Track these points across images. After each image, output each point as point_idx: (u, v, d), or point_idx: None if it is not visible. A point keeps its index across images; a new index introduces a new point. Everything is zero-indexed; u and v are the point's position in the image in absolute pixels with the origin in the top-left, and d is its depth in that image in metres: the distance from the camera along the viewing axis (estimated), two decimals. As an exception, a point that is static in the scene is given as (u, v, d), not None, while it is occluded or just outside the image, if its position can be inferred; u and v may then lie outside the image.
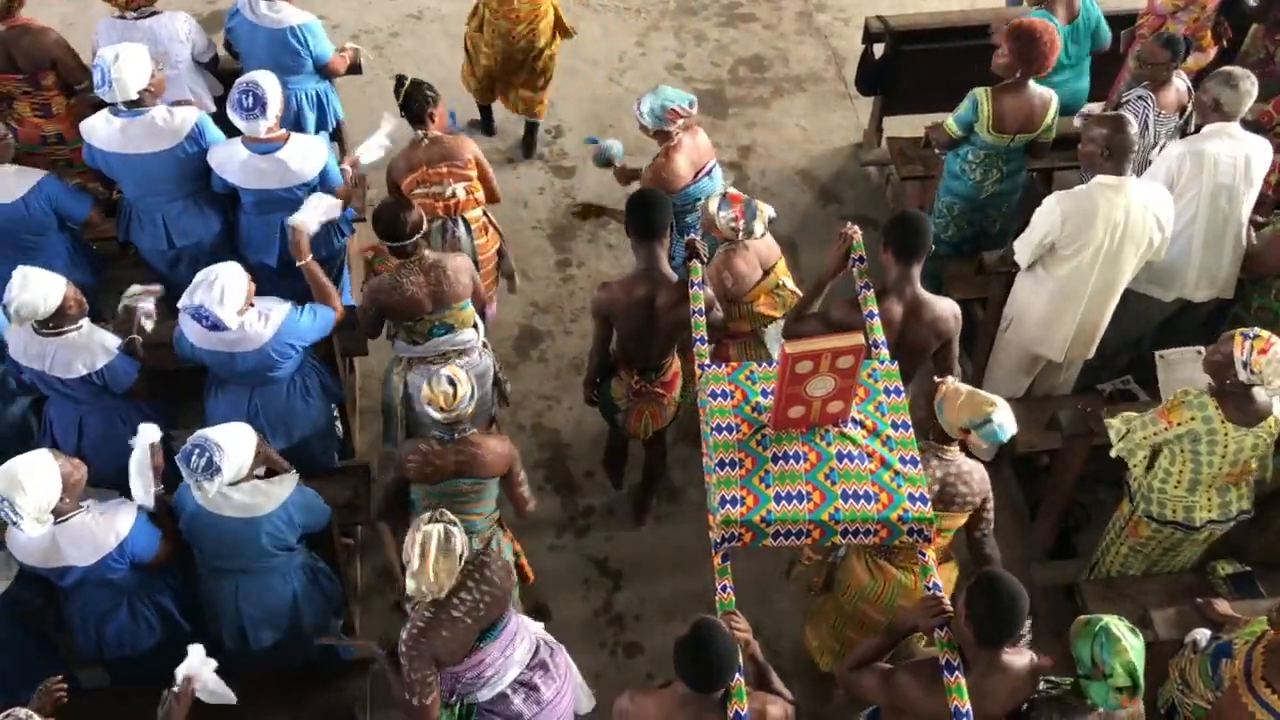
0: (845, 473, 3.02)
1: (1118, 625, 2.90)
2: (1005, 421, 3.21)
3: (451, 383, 3.34)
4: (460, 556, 2.98)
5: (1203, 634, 3.35)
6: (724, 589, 2.97)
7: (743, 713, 2.68)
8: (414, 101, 4.22)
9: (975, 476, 3.39)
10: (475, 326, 4.11)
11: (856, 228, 3.79)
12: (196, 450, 3.21)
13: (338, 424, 4.45)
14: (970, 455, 3.38)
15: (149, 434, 3.40)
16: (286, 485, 3.36)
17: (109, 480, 3.56)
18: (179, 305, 3.58)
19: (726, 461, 3.04)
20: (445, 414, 3.34)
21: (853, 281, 3.69)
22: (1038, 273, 4.27)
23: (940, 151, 4.81)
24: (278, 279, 4.19)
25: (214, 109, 4.73)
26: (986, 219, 4.86)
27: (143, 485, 3.34)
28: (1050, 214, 4.10)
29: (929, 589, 2.97)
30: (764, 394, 3.19)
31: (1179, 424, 3.58)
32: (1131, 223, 4.04)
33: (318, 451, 4.04)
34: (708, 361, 3.34)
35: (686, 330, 3.68)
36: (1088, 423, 4.07)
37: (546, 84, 5.60)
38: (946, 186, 4.81)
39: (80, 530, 3.20)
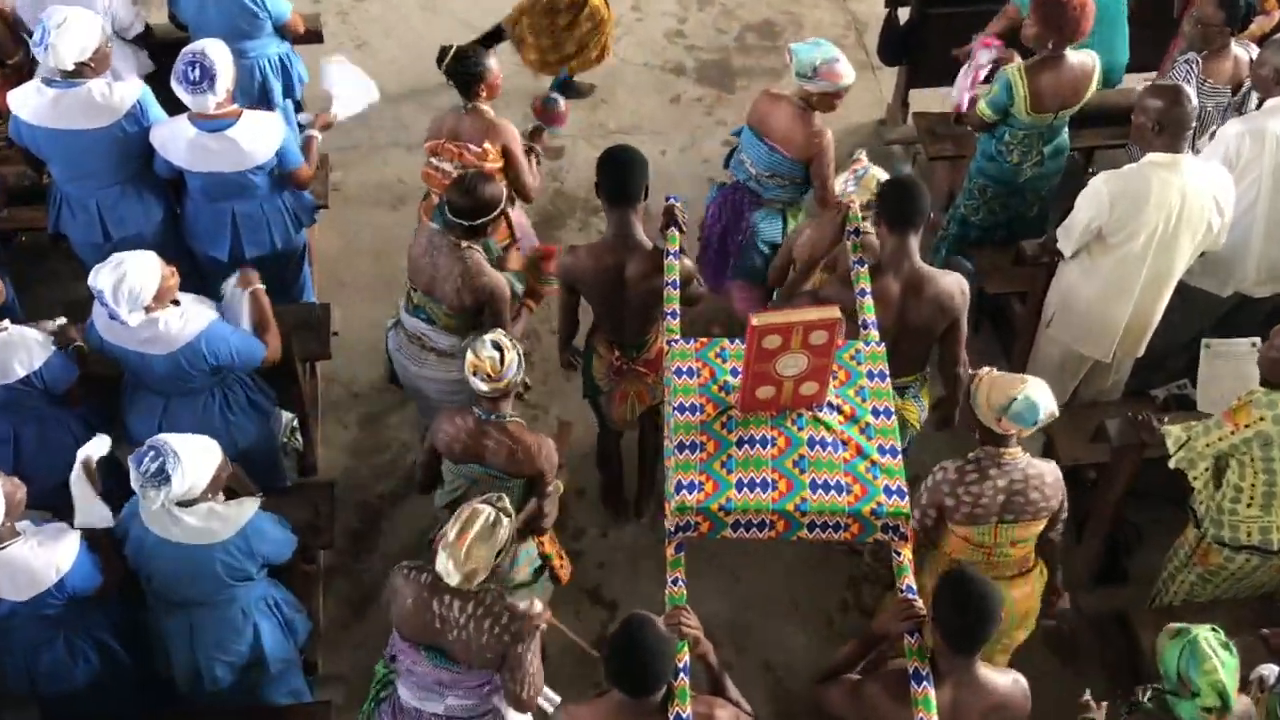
0: (816, 461, 3.36)
1: (1208, 640, 3.14)
2: (1036, 396, 3.51)
3: (497, 347, 3.65)
4: (499, 553, 3.27)
5: (1270, 670, 3.55)
6: (675, 582, 3.29)
7: (684, 715, 2.93)
8: (457, 73, 4.62)
9: (1048, 479, 3.68)
10: (464, 334, 4.35)
11: (854, 198, 4.17)
12: (151, 453, 3.40)
13: (297, 437, 4.79)
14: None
15: (96, 447, 3.64)
16: (245, 509, 3.57)
17: (47, 498, 3.76)
18: (89, 283, 3.78)
19: (687, 444, 3.39)
20: (493, 383, 3.64)
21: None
22: (1083, 263, 4.56)
23: (974, 130, 5.15)
24: (227, 275, 4.39)
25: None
26: (1024, 202, 5.19)
27: (85, 505, 3.55)
28: (1096, 196, 4.38)
29: (902, 591, 3.24)
30: (734, 373, 3.54)
31: (1246, 426, 3.78)
32: (1188, 205, 4.30)
33: (257, 470, 4.20)
34: (677, 337, 3.70)
35: (660, 304, 4.03)
36: (1138, 432, 4.31)
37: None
38: (980, 168, 5.13)
39: (17, 562, 3.37)
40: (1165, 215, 4.33)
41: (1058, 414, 3.62)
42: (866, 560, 4.00)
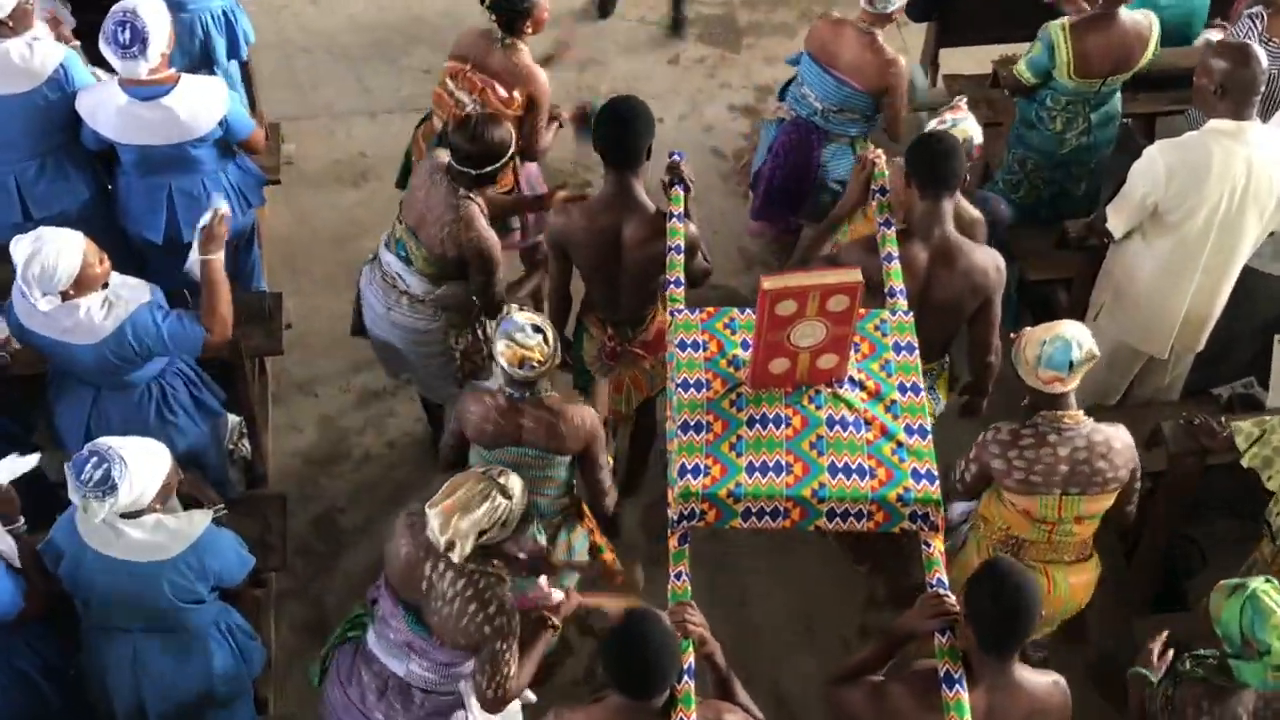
0: (836, 442, 3.51)
1: (1266, 593, 3.29)
2: (1069, 333, 3.73)
3: (538, 329, 3.82)
4: (481, 532, 3.40)
5: None
6: (679, 576, 3.44)
7: None
8: (502, 6, 4.77)
9: (1116, 446, 3.87)
10: (440, 281, 4.54)
11: (880, 152, 4.33)
12: (94, 459, 3.45)
13: (244, 443, 4.93)
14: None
15: (9, 469, 3.70)
16: (197, 523, 3.65)
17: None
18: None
19: (691, 424, 3.54)
20: (542, 369, 3.82)
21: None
22: (1136, 244, 4.72)
23: (1012, 95, 5.33)
24: (165, 259, 4.53)
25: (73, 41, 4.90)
26: (1069, 177, 5.36)
27: None
28: (1151, 168, 4.53)
29: (931, 585, 3.37)
30: (744, 346, 3.70)
31: None
32: (1254, 179, 4.44)
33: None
34: (681, 307, 3.86)
35: (661, 274, 4.19)
36: (1198, 437, 4.43)
37: None
38: (1019, 136, 5.30)
39: None
40: (1229, 190, 4.47)
41: (1099, 354, 3.81)
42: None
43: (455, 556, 3.48)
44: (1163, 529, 4.73)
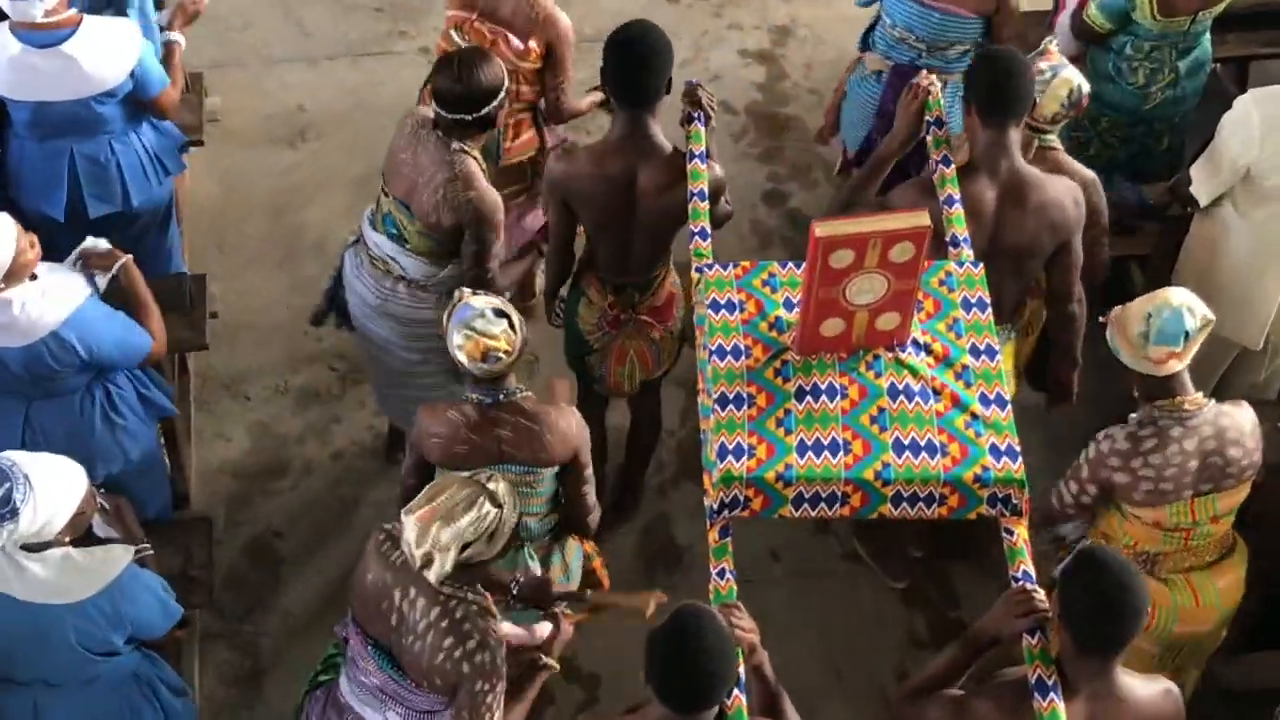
0: (901, 415, 3.64)
1: None
2: (1176, 299, 3.85)
3: (502, 314, 3.90)
4: (465, 545, 3.48)
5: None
6: (721, 574, 3.53)
7: None
8: None
9: (1247, 426, 3.99)
10: (437, 261, 4.62)
11: (934, 78, 4.46)
12: None
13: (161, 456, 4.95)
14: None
15: None
16: (114, 562, 3.69)
17: None
18: None
19: (731, 397, 3.66)
20: (509, 360, 3.90)
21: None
22: (1225, 213, 4.84)
23: (1083, 43, 5.42)
24: (69, 238, 4.48)
25: None
26: (1150, 134, 5.50)
27: None
28: (1244, 122, 4.66)
29: (1016, 579, 3.49)
30: (787, 305, 3.83)
31: None
32: None
33: (142, 497, 4.44)
34: (709, 262, 4.00)
35: (680, 225, 4.31)
36: None
37: None
38: (1094, 92, 5.26)
39: None
40: (1338, 149, 4.64)
41: (1213, 317, 3.96)
42: None
43: (432, 574, 3.55)
44: (1266, 556, 4.74)
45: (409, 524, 3.54)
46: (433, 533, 3.50)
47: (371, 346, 4.88)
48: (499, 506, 3.58)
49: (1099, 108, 5.44)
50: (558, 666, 3.89)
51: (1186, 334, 3.88)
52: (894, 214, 3.61)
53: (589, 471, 4.21)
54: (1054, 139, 4.61)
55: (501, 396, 3.99)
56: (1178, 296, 3.92)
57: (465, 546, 3.53)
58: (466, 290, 4.02)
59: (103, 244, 4.35)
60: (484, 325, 3.86)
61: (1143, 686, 3.47)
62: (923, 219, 3.53)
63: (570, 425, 4.07)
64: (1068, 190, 4.38)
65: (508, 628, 3.79)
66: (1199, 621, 4.20)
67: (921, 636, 5.17)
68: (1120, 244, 5.44)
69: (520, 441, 4.01)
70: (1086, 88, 4.60)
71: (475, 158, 4.48)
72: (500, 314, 3.89)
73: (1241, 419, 4.04)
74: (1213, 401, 4.02)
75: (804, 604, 5.21)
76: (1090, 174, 4.65)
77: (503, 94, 4.45)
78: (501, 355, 3.88)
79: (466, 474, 3.65)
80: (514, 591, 3.92)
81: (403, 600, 3.62)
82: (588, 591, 4.15)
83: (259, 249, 6.04)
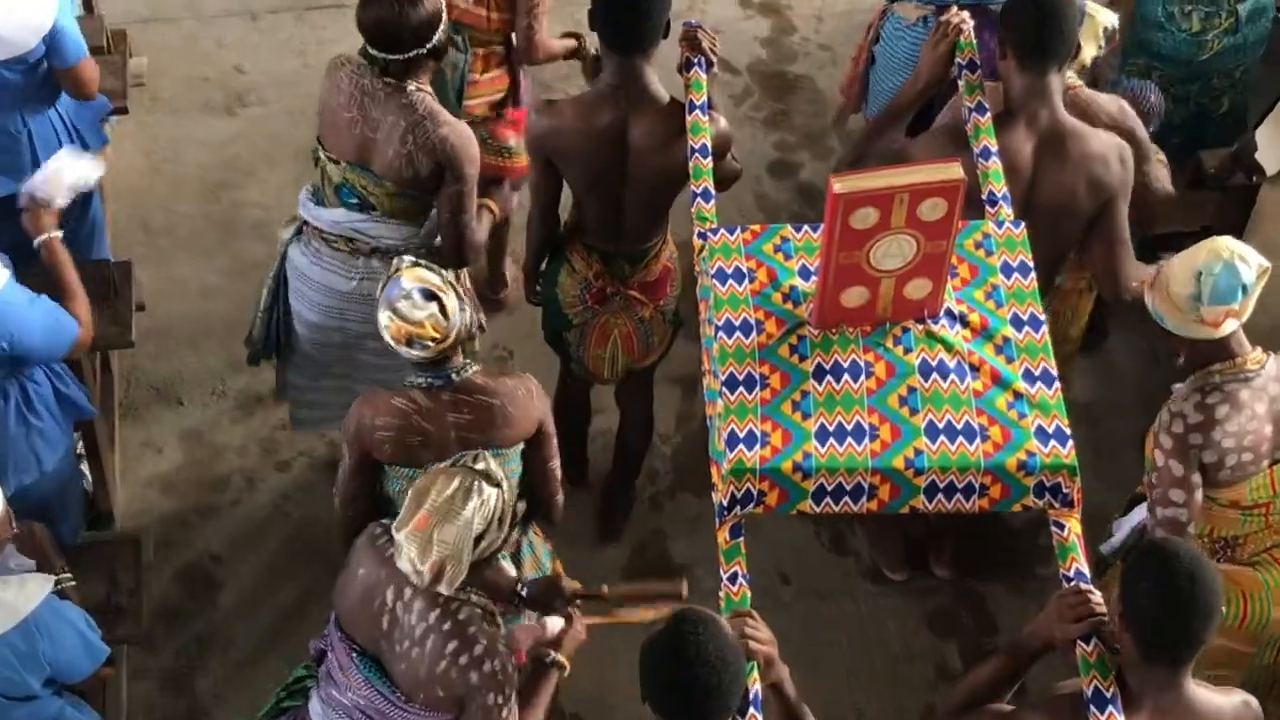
0: (935, 395, 3.70)
1: None
2: (1227, 252, 3.89)
3: (429, 295, 3.94)
4: (477, 538, 3.57)
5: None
6: (733, 579, 3.53)
7: None
8: None
9: None
10: (413, 221, 4.71)
11: (965, 15, 4.53)
12: None
13: (84, 471, 5.05)
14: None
15: None
16: (30, 595, 3.72)
17: None
18: None
19: (741, 379, 3.72)
20: (440, 345, 3.95)
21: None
22: None
23: None
24: None
25: None
26: (1208, 91, 5.59)
27: None
28: None
29: (1068, 579, 3.54)
30: (803, 273, 3.90)
31: None
32: None
33: (56, 511, 4.53)
34: (713, 226, 4.07)
35: (679, 187, 4.39)
36: None
37: None
38: (1141, 42, 5.52)
39: None
40: None
41: (1268, 264, 4.01)
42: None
43: (445, 584, 3.61)
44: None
45: (404, 539, 3.60)
46: (436, 538, 3.57)
47: (333, 349, 4.94)
48: (498, 485, 3.66)
49: (1148, 61, 5.55)
50: (568, 666, 3.96)
51: (1244, 288, 3.94)
52: (922, 165, 3.67)
53: (555, 440, 4.27)
54: (1072, 75, 4.69)
55: (453, 376, 4.05)
56: (1227, 247, 3.97)
57: (478, 540, 3.61)
58: (406, 260, 4.07)
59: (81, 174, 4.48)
60: (408, 308, 3.92)
61: (1217, 698, 3.52)
62: (955, 171, 3.59)
63: (530, 390, 4.15)
64: (1114, 146, 4.48)
65: (518, 626, 3.89)
66: None
67: (954, 670, 5.22)
68: (1177, 217, 5.53)
69: (481, 423, 4.06)
70: (1114, 20, 4.72)
71: (430, 93, 4.58)
72: (430, 296, 3.93)
73: None
74: (1271, 355, 4.10)
75: (819, 633, 5.28)
76: (1116, 100, 4.74)
77: (440, 27, 4.51)
78: (428, 343, 3.94)
79: (447, 463, 3.71)
80: (522, 593, 3.96)
81: (396, 601, 3.69)
82: (604, 587, 4.17)
83: (191, 231, 6.08)
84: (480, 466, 3.66)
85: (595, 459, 5.53)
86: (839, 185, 3.55)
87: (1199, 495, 4.10)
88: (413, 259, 4.08)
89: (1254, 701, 3.60)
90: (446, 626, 3.65)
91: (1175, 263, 4.00)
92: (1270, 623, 4.19)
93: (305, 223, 4.77)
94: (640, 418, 5.28)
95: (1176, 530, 4.09)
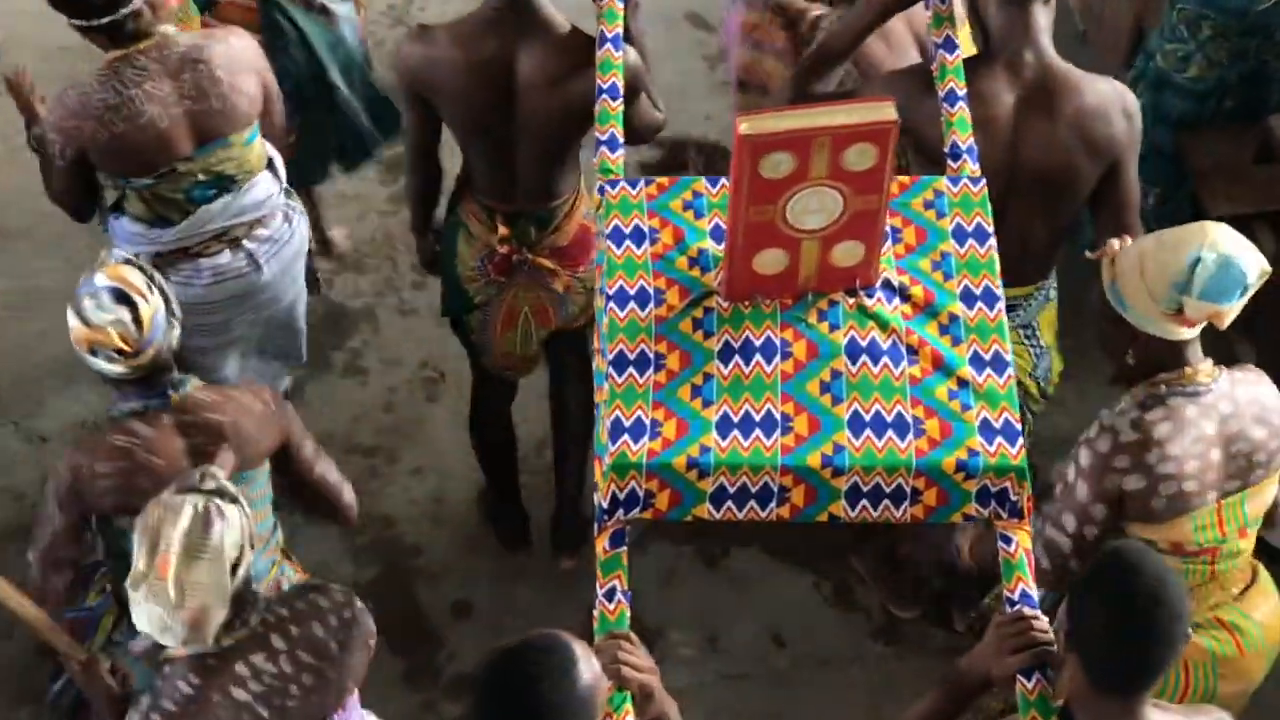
0: (863, 381, 3.63)
1: None
2: (1229, 246, 3.82)
3: (124, 299, 3.93)
4: (234, 569, 3.55)
5: None
6: (610, 595, 3.51)
7: None
8: None
9: (1270, 400, 4.00)
10: (272, 169, 4.95)
11: None
12: None
13: None
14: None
15: None
16: None
17: None
18: None
19: (632, 358, 3.67)
20: (131, 360, 3.95)
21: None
22: None
23: None
24: None
25: None
26: (1270, 45, 5.56)
27: None
28: None
29: (1010, 603, 3.52)
30: (716, 235, 3.84)
31: None
32: None
33: None
34: (616, 178, 4.01)
35: (582, 132, 4.38)
36: None
37: None
38: None
39: None
40: None
41: (1269, 267, 3.93)
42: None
43: (209, 636, 3.57)
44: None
45: (146, 598, 3.53)
46: (189, 581, 3.51)
47: (245, 342, 5.18)
48: (235, 501, 3.62)
49: (1198, 8, 5.53)
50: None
51: (1245, 289, 3.87)
52: (848, 104, 3.62)
53: (310, 442, 4.29)
54: None
55: (170, 392, 4.08)
56: (1230, 236, 3.90)
57: (235, 568, 3.57)
58: (116, 255, 4.10)
59: None
60: (92, 309, 3.93)
61: None
62: (886, 110, 3.52)
63: (266, 400, 4.19)
64: (1115, 96, 4.44)
65: None
66: (1248, 675, 4.19)
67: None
68: (1239, 196, 5.52)
69: (215, 438, 4.06)
70: None
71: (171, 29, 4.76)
72: (122, 298, 3.94)
73: (1260, 388, 4.06)
74: (1223, 369, 4.04)
75: (823, 709, 5.26)
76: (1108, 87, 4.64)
77: None
78: (113, 354, 3.94)
79: (168, 492, 3.61)
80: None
81: (250, 679, 3.67)
82: None
83: (53, 233, 6.18)
84: (210, 485, 3.61)
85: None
86: (746, 126, 3.50)
87: (1091, 532, 4.04)
88: (125, 255, 4.13)
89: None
90: (299, 636, 3.69)
91: (1160, 241, 3.92)
92: (1216, 698, 4.11)
93: (158, 255, 4.87)
94: (581, 397, 5.29)
95: (1055, 559, 4.05)
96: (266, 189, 4.93)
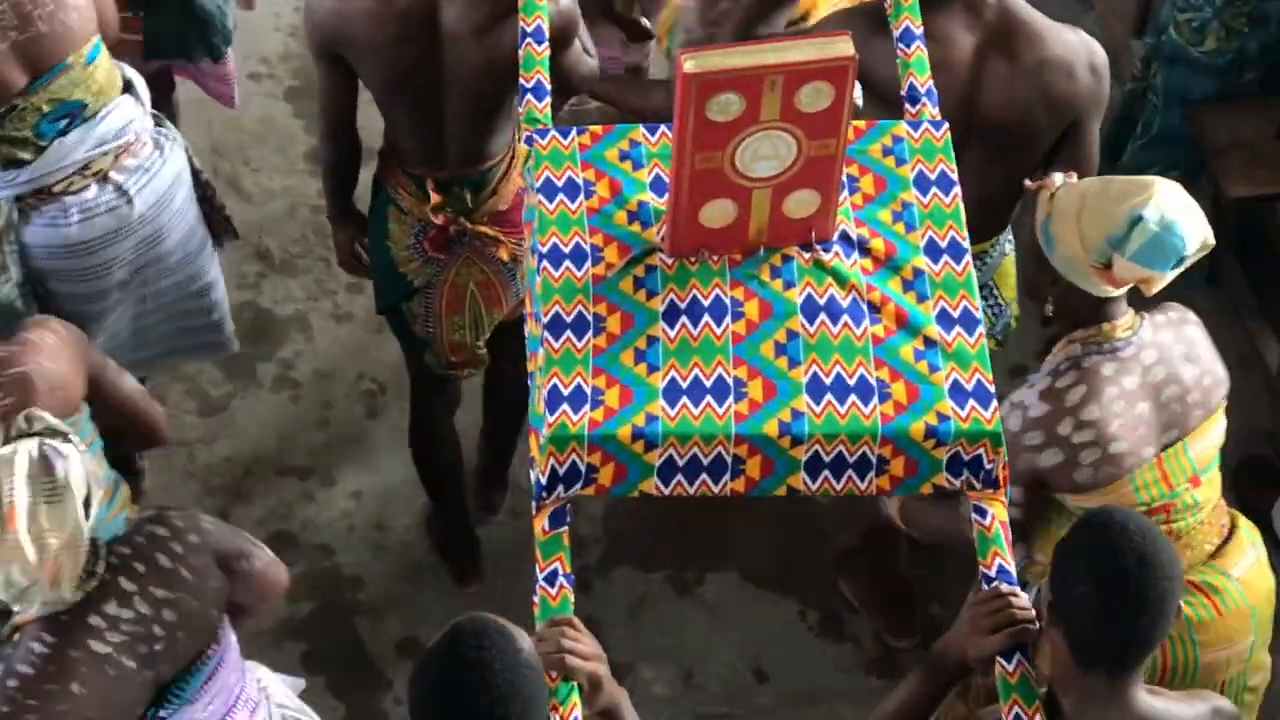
0: (822, 342, 3.72)
1: None
2: (1172, 206, 3.95)
3: None
4: (83, 510, 3.62)
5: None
6: (551, 579, 3.56)
7: None
8: None
9: (1195, 334, 4.20)
10: (131, 92, 5.05)
11: None
12: None
13: None
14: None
15: None
16: None
17: None
18: None
19: (569, 320, 3.75)
20: None
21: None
22: None
23: None
24: None
25: None
26: None
27: None
28: None
29: (990, 579, 3.59)
30: (657, 187, 3.93)
31: None
32: None
33: None
34: (544, 128, 4.09)
35: (514, 84, 4.40)
36: None
37: None
38: None
39: None
40: None
41: (1213, 239, 4.08)
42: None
43: (68, 587, 3.67)
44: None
45: (1, 557, 3.61)
46: (44, 528, 3.60)
47: (132, 292, 5.24)
48: (68, 438, 3.71)
49: None
50: None
51: (1181, 260, 4.01)
52: (801, 40, 3.71)
53: (110, 362, 4.38)
54: None
55: None
56: (1179, 199, 4.02)
57: (86, 504, 3.67)
58: None
59: None
60: None
61: (1176, 709, 3.57)
62: (843, 45, 3.60)
63: (58, 332, 4.22)
64: (1081, 49, 4.60)
65: None
66: (1229, 637, 4.28)
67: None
68: (1262, 178, 5.66)
69: (25, 399, 4.03)
70: None
71: None
72: None
73: (1186, 328, 4.23)
74: (1144, 317, 4.18)
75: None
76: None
77: None
78: None
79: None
80: None
81: (110, 627, 3.77)
82: None
83: None
84: (37, 427, 3.70)
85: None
86: (690, 63, 3.56)
87: (1013, 514, 4.07)
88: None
89: (1227, 707, 3.66)
90: (150, 571, 3.84)
91: (1104, 188, 4.06)
92: (1199, 669, 4.23)
93: (19, 199, 4.98)
94: (515, 372, 5.26)
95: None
96: (126, 114, 4.98)
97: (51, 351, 4.18)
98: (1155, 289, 4.05)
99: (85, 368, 4.27)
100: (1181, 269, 4.03)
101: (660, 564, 5.85)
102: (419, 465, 5.78)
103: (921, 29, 4.32)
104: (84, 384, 4.26)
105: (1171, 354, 4.15)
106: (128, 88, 5.04)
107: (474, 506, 5.93)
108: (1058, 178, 4.14)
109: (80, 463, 3.66)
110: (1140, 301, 4.24)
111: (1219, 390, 4.24)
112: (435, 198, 4.87)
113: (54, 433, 3.68)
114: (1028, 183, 4.20)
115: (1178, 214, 3.97)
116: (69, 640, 3.74)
